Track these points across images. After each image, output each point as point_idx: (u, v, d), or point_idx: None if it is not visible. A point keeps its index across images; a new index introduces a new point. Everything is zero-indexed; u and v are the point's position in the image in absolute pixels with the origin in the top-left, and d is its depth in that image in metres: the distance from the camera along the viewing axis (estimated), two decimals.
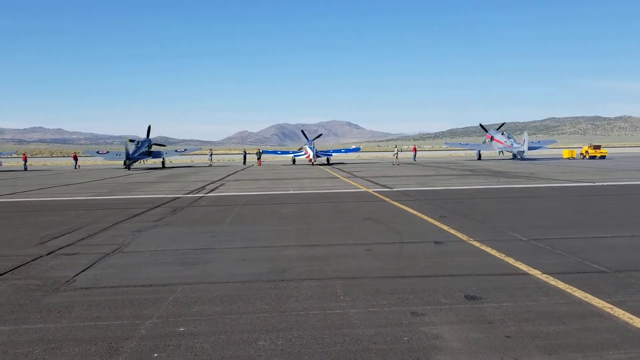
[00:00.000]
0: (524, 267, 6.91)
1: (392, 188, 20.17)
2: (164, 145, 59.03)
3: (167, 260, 7.90)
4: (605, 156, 54.52)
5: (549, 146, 67.24)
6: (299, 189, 21.15)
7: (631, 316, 4.96)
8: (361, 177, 27.85)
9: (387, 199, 15.94)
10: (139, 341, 4.61)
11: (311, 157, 48.20)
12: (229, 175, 32.87)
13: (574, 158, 56.39)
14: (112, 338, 4.69)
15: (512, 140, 53.99)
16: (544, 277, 6.39)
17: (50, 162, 75.56)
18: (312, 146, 49.56)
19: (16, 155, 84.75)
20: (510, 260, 7.32)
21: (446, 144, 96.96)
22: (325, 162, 50.65)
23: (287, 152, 59.07)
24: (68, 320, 5.19)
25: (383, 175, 29.28)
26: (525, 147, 49.74)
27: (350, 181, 25.00)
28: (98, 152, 58.95)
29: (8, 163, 66.99)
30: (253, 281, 6.53)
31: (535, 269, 6.80)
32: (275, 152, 64.19)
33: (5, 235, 10.57)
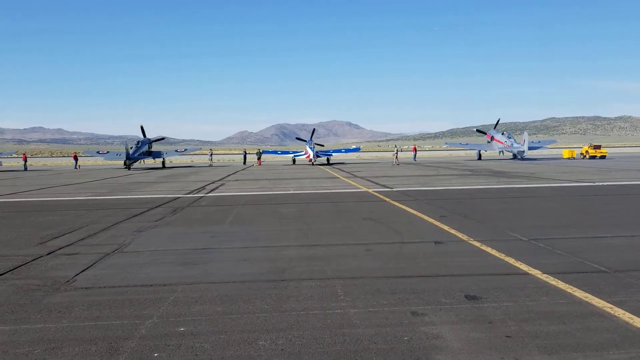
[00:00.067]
0: (524, 267, 6.91)
1: (392, 188, 20.17)
2: (162, 139, 58.76)
3: (168, 260, 7.90)
4: (605, 156, 54.52)
5: (549, 146, 67.24)
6: (299, 189, 21.16)
7: (631, 316, 4.96)
8: (361, 177, 27.85)
9: (387, 199, 15.94)
10: (139, 341, 4.61)
11: (311, 157, 48.21)
12: (229, 175, 32.87)
13: (574, 158, 56.39)
14: (113, 338, 4.69)
15: (512, 140, 53.99)
16: (544, 277, 6.39)
17: (51, 162, 75.56)
18: (312, 146, 49.58)
19: (16, 155, 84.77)
20: (511, 260, 7.32)
21: (446, 144, 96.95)
22: (326, 162, 50.65)
23: (287, 152, 59.07)
24: (68, 320, 5.19)
25: (383, 175, 29.28)
26: (525, 147, 49.74)
27: (350, 181, 25.00)
28: (98, 152, 58.94)
29: (8, 163, 67.00)
30: (253, 281, 6.53)
31: (536, 268, 6.80)
32: (275, 152, 64.19)
33: (6, 235, 10.57)
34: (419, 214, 12.31)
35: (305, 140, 52.92)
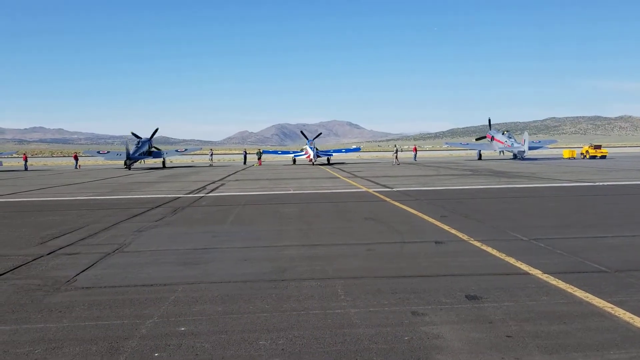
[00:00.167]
0: (524, 267, 6.91)
1: (392, 188, 20.17)
2: (156, 129, 57.82)
3: (168, 260, 7.90)
4: (605, 156, 54.49)
5: (549, 146, 67.20)
6: (300, 189, 21.16)
7: (632, 316, 4.96)
8: (362, 177, 27.85)
9: (387, 199, 15.94)
10: (140, 341, 4.61)
11: (312, 157, 48.20)
12: (229, 175, 32.87)
13: (574, 158, 56.35)
14: (113, 338, 4.69)
15: (513, 140, 53.95)
16: (544, 277, 6.39)
17: (51, 162, 75.58)
18: (313, 146, 49.57)
19: (17, 155, 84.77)
20: (511, 260, 7.32)
21: (447, 143, 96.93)
22: (326, 162, 50.64)
23: (288, 152, 59.07)
24: (69, 320, 5.19)
25: (383, 175, 29.27)
26: (525, 147, 49.71)
27: (350, 181, 25.00)
28: (99, 152, 58.95)
29: (9, 163, 67.00)
30: (254, 281, 6.53)
31: (536, 268, 6.80)
32: (275, 152, 64.17)
33: (6, 235, 10.58)
34: (420, 214, 12.31)
35: (307, 138, 52.90)
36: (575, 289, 5.86)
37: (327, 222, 11.51)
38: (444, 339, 4.51)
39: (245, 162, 57.73)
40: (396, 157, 48.35)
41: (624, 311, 5.09)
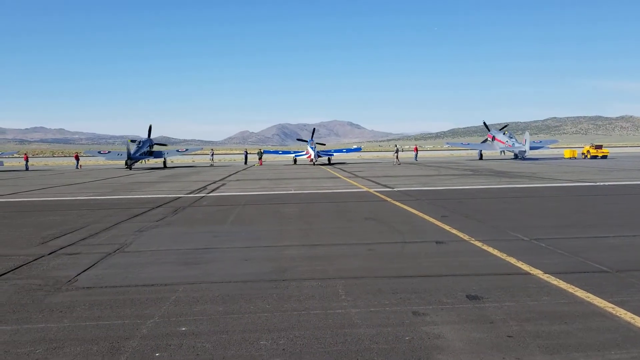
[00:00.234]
0: (525, 267, 6.90)
1: (393, 188, 20.17)
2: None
3: (169, 260, 7.91)
4: (606, 156, 54.43)
5: (550, 146, 67.13)
6: (300, 188, 21.16)
7: (633, 316, 4.95)
8: (362, 177, 27.84)
9: (388, 199, 15.94)
10: (141, 341, 4.61)
11: (312, 157, 48.20)
12: (230, 175, 32.88)
13: (575, 158, 56.30)
14: (114, 338, 4.69)
15: (514, 140, 53.91)
16: (545, 277, 6.39)
17: (52, 162, 75.63)
18: (314, 146, 49.57)
19: (17, 155, 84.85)
20: (512, 260, 7.31)
21: (447, 143, 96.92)
22: (327, 162, 50.64)
23: (289, 152, 59.08)
24: (70, 319, 5.20)
25: (384, 175, 29.27)
26: (526, 147, 49.68)
27: (351, 181, 25.00)
28: (99, 152, 58.99)
29: (9, 163, 67.08)
30: (255, 281, 6.53)
31: (537, 268, 6.79)
32: (276, 152, 64.17)
33: (7, 234, 10.59)
34: (420, 214, 12.30)
35: (306, 141, 52.92)
36: (576, 289, 5.85)
37: (328, 222, 11.51)
38: (445, 339, 4.51)
39: (246, 162, 57.73)
40: (397, 157, 48.33)
41: (625, 311, 5.09)
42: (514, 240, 8.91)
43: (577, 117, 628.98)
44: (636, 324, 4.77)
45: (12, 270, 7.38)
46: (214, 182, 25.93)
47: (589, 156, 55.04)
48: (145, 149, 49.71)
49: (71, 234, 10.37)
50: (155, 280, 6.66)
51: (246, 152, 62.35)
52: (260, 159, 55.89)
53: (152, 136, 53.62)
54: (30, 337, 4.74)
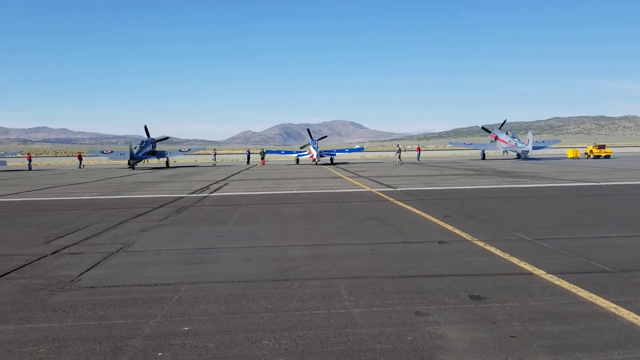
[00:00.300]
0: (528, 267, 6.89)
1: (396, 188, 20.15)
2: (167, 138, 59.02)
3: (172, 259, 7.92)
4: (609, 156, 54.28)
5: (553, 146, 67.02)
6: (303, 188, 21.16)
7: (636, 316, 4.94)
8: (365, 177, 27.83)
9: (391, 199, 15.93)
10: (144, 340, 4.62)
11: (315, 156, 48.19)
12: (232, 175, 32.90)
13: (578, 158, 56.18)
14: (117, 337, 4.70)
15: (517, 140, 53.80)
16: (548, 277, 6.37)
17: (55, 162, 75.81)
18: (316, 146, 49.56)
19: (21, 155, 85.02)
20: (515, 260, 7.30)
21: (450, 143, 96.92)
22: (329, 162, 50.61)
23: (291, 152, 59.10)
24: (73, 319, 5.21)
25: (387, 175, 29.24)
26: (529, 147, 49.56)
27: (354, 181, 24.99)
28: (102, 152, 59.05)
29: (13, 163, 67.25)
30: (257, 281, 6.54)
31: (540, 268, 6.78)
32: (279, 152, 64.19)
33: (10, 234, 10.62)
34: (423, 214, 12.29)
35: (312, 137, 52.95)
36: (579, 289, 5.84)
37: (331, 222, 11.51)
38: (448, 339, 4.50)
39: (248, 162, 57.76)
40: (399, 157, 48.30)
41: (628, 311, 5.07)
42: (517, 240, 8.89)
43: (580, 117, 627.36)
44: (639, 324, 4.76)
45: (15, 269, 7.40)
46: (217, 182, 25.94)
47: (592, 156, 54.91)
48: (148, 148, 49.78)
49: (74, 234, 10.39)
50: (158, 280, 6.67)
51: (249, 151, 62.41)
52: (262, 158, 55.93)
53: (152, 136, 53.68)
54: (33, 337, 4.76)
